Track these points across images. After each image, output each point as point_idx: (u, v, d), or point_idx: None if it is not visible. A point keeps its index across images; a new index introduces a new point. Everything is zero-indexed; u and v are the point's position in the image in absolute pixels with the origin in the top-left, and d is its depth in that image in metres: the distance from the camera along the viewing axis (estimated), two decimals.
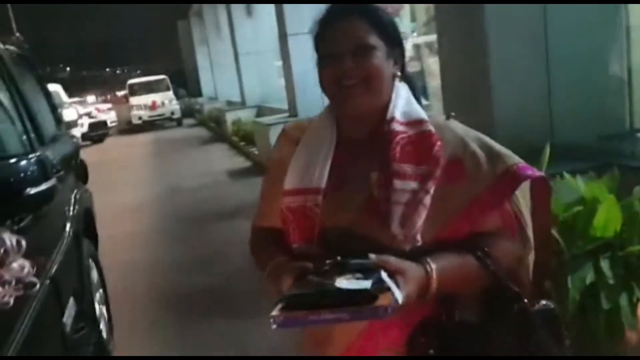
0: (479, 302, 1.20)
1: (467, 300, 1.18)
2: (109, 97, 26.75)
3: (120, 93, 26.04)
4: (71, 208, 3.26)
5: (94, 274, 3.58)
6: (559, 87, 3.81)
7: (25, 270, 1.81)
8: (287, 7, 9.10)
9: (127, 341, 3.78)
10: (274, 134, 8.90)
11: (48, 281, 2.38)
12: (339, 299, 1.00)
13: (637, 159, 3.41)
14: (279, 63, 11.38)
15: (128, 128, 22.27)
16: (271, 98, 13.53)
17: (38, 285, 2.10)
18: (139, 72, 35.37)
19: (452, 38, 4.36)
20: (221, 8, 17.64)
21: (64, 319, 2.60)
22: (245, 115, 13.71)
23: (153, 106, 21.58)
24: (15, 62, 3.15)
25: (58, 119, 3.96)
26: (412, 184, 1.16)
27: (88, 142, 17.83)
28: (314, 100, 9.40)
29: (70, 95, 23.19)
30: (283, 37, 9.33)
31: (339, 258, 1.09)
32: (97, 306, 3.41)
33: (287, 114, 9.73)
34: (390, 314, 0.97)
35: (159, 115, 21.73)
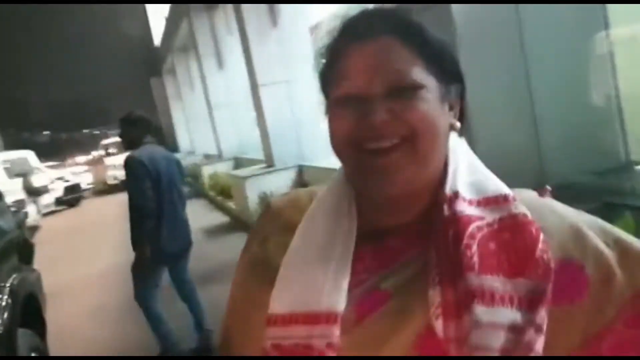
0: None
1: None
2: (83, 159, 26.34)
3: (97, 153, 25.68)
4: (4, 297, 2.83)
5: None
6: (546, 122, 3.51)
7: None
8: (257, 58, 8.91)
9: None
10: (249, 187, 8.55)
11: None
12: None
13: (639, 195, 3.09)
14: (254, 113, 11.17)
15: (104, 189, 21.80)
16: (249, 149, 13.24)
17: None
18: (115, 131, 35.12)
19: None
20: (193, 62, 17.51)
21: None
22: (223, 168, 13.37)
23: None
24: None
25: None
26: (509, 313, 0.69)
27: (63, 207, 17.31)
28: (290, 149, 9.13)
29: (49, 159, 22.75)
30: (254, 87, 9.13)
31: None
32: None
33: (264, 165, 9.45)
34: None
35: None
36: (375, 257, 0.79)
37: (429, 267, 0.73)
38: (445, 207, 0.75)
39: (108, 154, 22.24)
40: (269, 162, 9.12)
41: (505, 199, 0.77)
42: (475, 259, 0.70)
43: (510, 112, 3.52)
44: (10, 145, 26.67)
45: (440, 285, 0.71)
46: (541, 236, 0.72)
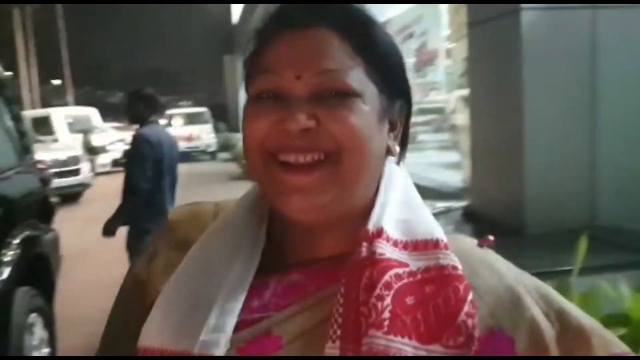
0: None
1: None
2: None
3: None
4: (9, 253, 2.79)
5: (38, 330, 3.08)
6: (606, 159, 3.20)
7: None
8: None
9: None
10: None
11: None
12: None
13: None
14: None
15: None
16: None
17: None
18: (183, 102, 36.05)
19: (484, 93, 3.83)
20: None
21: None
22: None
23: (189, 138, 21.55)
24: None
25: (26, 148, 3.54)
26: None
27: (120, 169, 17.77)
28: None
29: (116, 120, 23.39)
30: None
31: None
32: None
33: None
34: None
35: (193, 147, 21.67)
36: (276, 293, 0.65)
37: (333, 317, 0.60)
38: (364, 246, 0.62)
39: (170, 124, 22.70)
40: None
41: (435, 245, 0.63)
42: (387, 314, 0.57)
43: (569, 137, 3.22)
44: (83, 102, 27.65)
45: (341, 341, 0.58)
46: (469, 296, 0.59)
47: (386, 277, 0.59)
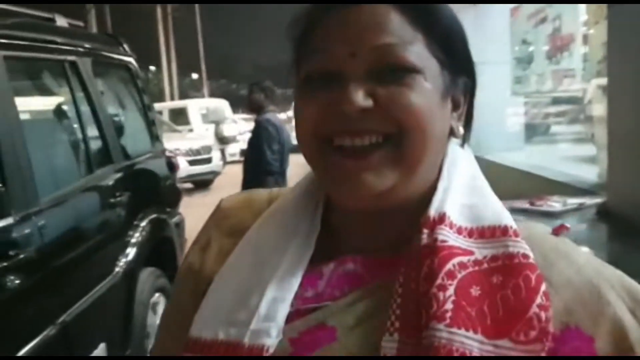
0: None
1: None
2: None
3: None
4: (136, 235, 2.96)
5: (160, 309, 3.25)
6: None
7: None
8: None
9: None
10: None
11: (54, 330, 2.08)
12: None
13: None
14: None
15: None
16: None
17: None
18: None
19: (625, 80, 3.49)
20: None
21: None
22: None
23: None
24: (101, 73, 2.96)
25: (155, 136, 3.75)
26: None
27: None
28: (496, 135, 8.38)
29: (247, 112, 24.53)
30: None
31: None
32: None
33: None
34: None
35: None
36: (331, 282, 0.61)
37: (390, 308, 0.56)
38: (425, 233, 0.57)
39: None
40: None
41: (504, 231, 0.58)
42: (449, 305, 0.53)
43: None
44: (217, 94, 29.17)
45: (399, 334, 0.54)
46: (542, 287, 0.54)
47: (449, 266, 0.55)
